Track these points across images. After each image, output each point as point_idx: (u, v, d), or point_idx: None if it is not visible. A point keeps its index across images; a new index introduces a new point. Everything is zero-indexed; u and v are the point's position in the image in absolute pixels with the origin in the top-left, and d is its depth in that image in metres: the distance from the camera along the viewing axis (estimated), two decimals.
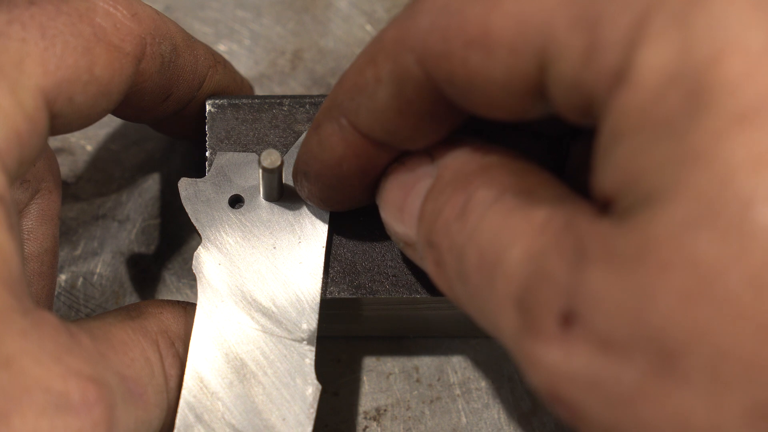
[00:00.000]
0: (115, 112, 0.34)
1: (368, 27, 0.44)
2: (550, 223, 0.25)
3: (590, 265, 0.23)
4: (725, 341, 0.20)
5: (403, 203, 0.30)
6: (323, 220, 0.34)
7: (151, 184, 0.41)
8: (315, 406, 0.31)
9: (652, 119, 0.22)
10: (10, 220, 0.27)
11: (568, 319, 0.23)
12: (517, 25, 0.24)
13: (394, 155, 0.30)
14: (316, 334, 0.32)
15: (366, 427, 0.38)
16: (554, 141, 0.31)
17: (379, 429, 0.38)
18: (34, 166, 0.33)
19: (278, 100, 0.35)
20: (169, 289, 0.40)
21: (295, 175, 0.32)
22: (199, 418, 0.31)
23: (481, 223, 0.26)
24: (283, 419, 0.31)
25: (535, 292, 0.24)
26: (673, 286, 0.21)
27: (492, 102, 0.26)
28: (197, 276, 0.33)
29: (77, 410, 0.26)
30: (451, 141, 0.29)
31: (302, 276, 0.33)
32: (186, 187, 0.34)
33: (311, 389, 0.32)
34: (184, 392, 0.31)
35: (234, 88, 0.37)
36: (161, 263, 0.40)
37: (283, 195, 0.34)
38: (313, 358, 0.32)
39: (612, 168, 0.23)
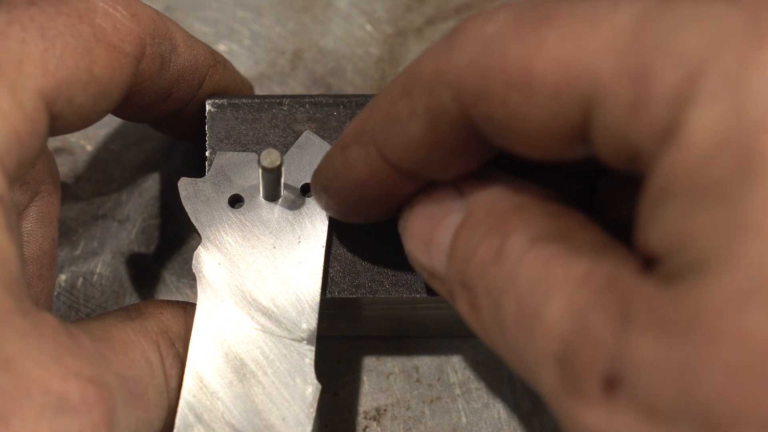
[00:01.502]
0: (115, 112, 0.34)
1: (368, 27, 0.44)
2: (591, 277, 0.24)
3: (636, 329, 0.22)
4: None
5: (430, 237, 0.29)
6: (323, 220, 0.34)
7: (151, 184, 0.41)
8: (315, 405, 0.31)
9: (703, 182, 0.21)
10: (9, 221, 0.27)
11: (611, 383, 0.22)
12: (560, 70, 0.24)
13: (419, 185, 0.29)
14: (316, 334, 0.32)
15: (366, 427, 0.38)
16: (581, 177, 0.31)
17: (379, 429, 0.38)
18: (33, 168, 0.33)
19: (278, 100, 0.35)
20: (169, 289, 0.40)
21: (314, 186, 0.32)
22: (198, 417, 0.31)
23: (518, 270, 0.26)
24: (283, 419, 0.31)
25: (578, 352, 0.23)
26: (722, 359, 0.21)
27: (531, 143, 0.25)
28: (197, 276, 0.33)
29: (77, 411, 0.26)
30: (481, 175, 0.29)
31: (302, 276, 0.33)
32: (186, 186, 0.34)
33: (311, 389, 0.32)
34: (183, 392, 0.31)
35: (234, 88, 0.37)
36: (161, 263, 0.40)
37: (282, 195, 0.34)
38: (313, 357, 0.32)
39: (660, 227, 0.23)
